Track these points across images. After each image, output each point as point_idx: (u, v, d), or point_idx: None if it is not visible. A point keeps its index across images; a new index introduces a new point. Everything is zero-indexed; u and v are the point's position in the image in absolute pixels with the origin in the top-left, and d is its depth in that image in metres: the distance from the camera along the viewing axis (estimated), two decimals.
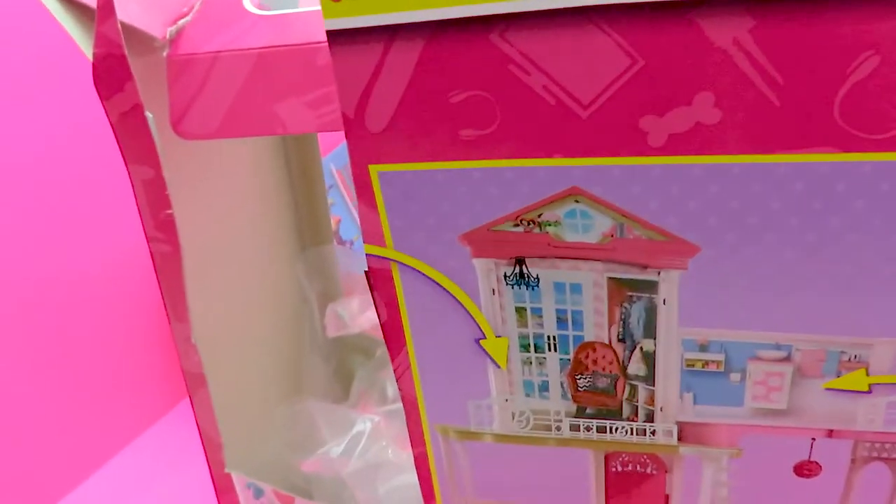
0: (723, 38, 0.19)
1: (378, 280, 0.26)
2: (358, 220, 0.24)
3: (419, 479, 0.31)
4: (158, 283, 0.32)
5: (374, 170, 0.23)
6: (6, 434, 0.46)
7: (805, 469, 0.26)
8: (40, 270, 0.47)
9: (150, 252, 0.32)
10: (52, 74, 0.43)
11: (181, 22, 0.31)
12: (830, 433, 0.25)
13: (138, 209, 0.31)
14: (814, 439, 0.25)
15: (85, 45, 0.29)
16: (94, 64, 0.28)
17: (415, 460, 0.30)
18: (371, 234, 0.24)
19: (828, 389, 0.24)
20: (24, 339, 0.47)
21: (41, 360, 0.48)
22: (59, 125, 0.44)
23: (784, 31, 0.18)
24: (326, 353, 0.48)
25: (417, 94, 0.21)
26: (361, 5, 0.20)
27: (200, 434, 0.36)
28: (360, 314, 0.47)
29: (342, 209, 0.68)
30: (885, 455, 0.25)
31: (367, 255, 0.25)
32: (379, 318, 0.27)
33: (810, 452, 0.26)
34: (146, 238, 0.31)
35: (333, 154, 0.67)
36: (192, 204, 0.35)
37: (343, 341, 0.48)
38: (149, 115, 0.29)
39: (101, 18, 0.27)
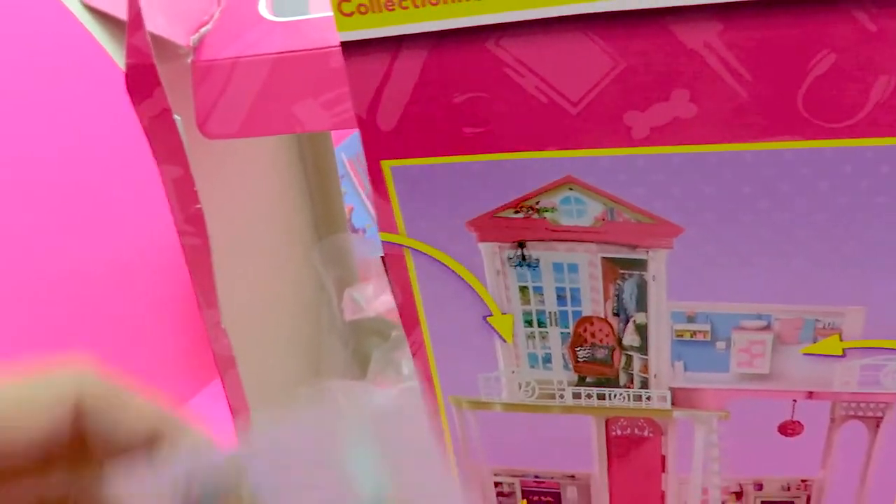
0: (694, 41, 0.21)
1: (393, 265, 0.28)
2: (370, 207, 0.26)
3: None
4: (189, 272, 0.35)
5: (387, 165, 0.25)
6: None
7: (789, 428, 0.28)
8: (72, 262, 0.50)
9: (181, 244, 0.34)
10: (86, 75, 0.46)
11: (203, 30, 0.33)
12: (810, 395, 0.27)
13: (169, 205, 0.33)
14: (795, 401, 0.28)
15: (116, 54, 0.31)
16: (126, 73, 0.30)
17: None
18: (385, 223, 0.27)
19: (805, 354, 0.26)
20: (52, 329, 0.50)
21: (70, 347, 0.51)
22: (104, 126, 0.46)
23: (750, 33, 0.21)
24: (344, 336, 0.50)
25: (423, 97, 0.23)
26: (370, 20, 0.22)
27: (231, 411, 0.38)
28: (375, 298, 0.49)
29: (354, 198, 0.70)
30: (860, 413, 0.27)
31: (382, 242, 0.27)
32: (395, 299, 0.29)
33: (793, 413, 0.28)
34: (177, 232, 0.34)
35: (344, 144, 0.69)
36: (218, 199, 0.37)
37: (360, 324, 0.50)
38: (177, 117, 0.31)
39: (131, 30, 0.29)
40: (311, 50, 0.31)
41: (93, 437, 0.18)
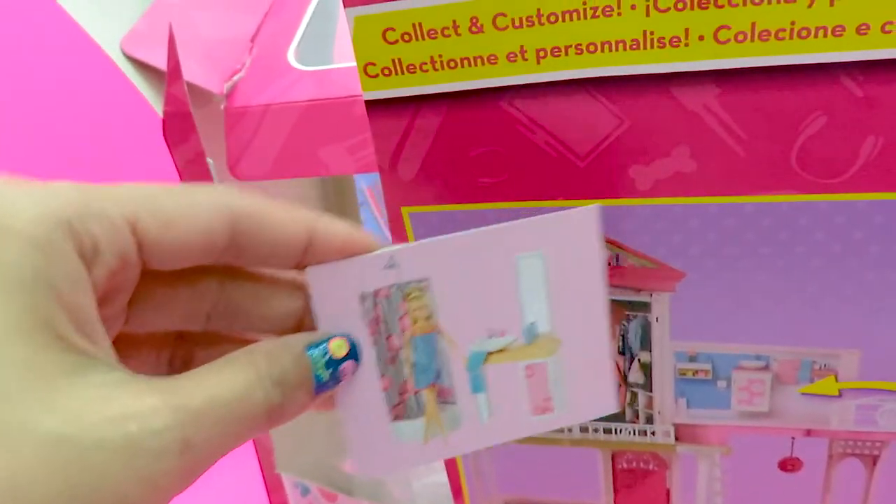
0: (694, 103, 0.23)
1: None
2: (388, 233, 0.28)
3: (448, 477, 0.35)
4: None
5: (406, 211, 0.27)
6: None
7: (788, 465, 0.29)
8: None
9: None
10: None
11: (235, 77, 0.35)
12: (808, 432, 0.28)
13: None
14: (794, 438, 0.29)
15: (154, 101, 0.34)
16: (163, 119, 0.32)
17: (444, 461, 0.34)
18: None
19: (803, 394, 0.28)
20: None
21: None
22: (140, 170, 0.48)
23: (745, 96, 0.22)
24: None
25: (441, 150, 0.25)
26: (393, 81, 0.24)
27: (254, 441, 0.40)
28: None
29: (372, 224, 0.72)
30: (857, 451, 0.29)
31: None
32: None
33: (792, 449, 0.29)
34: None
35: (364, 173, 0.72)
36: None
37: None
38: (210, 161, 0.33)
39: (170, 80, 0.31)
40: (336, 98, 0.33)
41: (249, 244, 0.19)
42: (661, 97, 0.23)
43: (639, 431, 0.30)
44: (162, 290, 0.20)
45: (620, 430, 0.30)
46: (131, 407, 0.16)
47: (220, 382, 0.17)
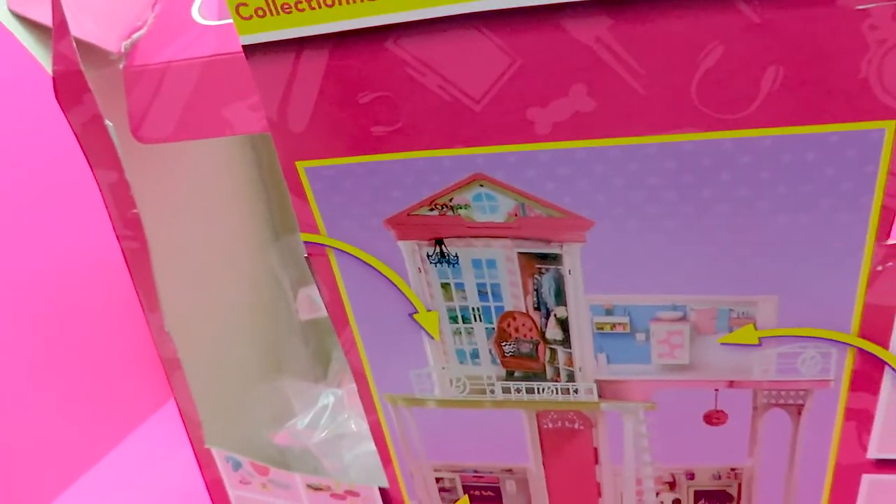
0: (586, 36, 0.21)
1: (318, 265, 0.28)
2: None
3: (376, 445, 0.34)
4: (131, 277, 0.35)
5: (301, 165, 0.25)
6: None
7: (714, 418, 0.29)
8: (21, 272, 0.50)
9: (121, 248, 0.34)
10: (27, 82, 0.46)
11: (135, 35, 0.33)
12: (731, 384, 0.28)
13: (107, 209, 0.34)
14: (717, 390, 0.28)
15: (45, 61, 0.32)
16: (53, 79, 0.30)
17: (370, 428, 0.33)
18: (305, 223, 0.27)
19: (723, 344, 0.27)
20: (9, 342, 0.50)
21: (29, 362, 0.51)
22: (39, 133, 0.46)
23: (639, 27, 0.21)
24: (305, 335, 0.51)
25: (329, 97, 0.24)
26: (269, 22, 0.22)
27: (181, 414, 0.39)
28: None
29: None
30: (782, 402, 0.28)
31: (304, 242, 0.28)
32: (322, 299, 0.29)
33: (716, 402, 0.28)
34: (116, 236, 0.34)
35: None
36: (160, 202, 0.37)
37: (320, 324, 0.51)
38: (108, 123, 0.31)
39: (57, 37, 0.29)
40: (237, 53, 0.31)
41: None
42: (550, 31, 0.21)
43: (561, 390, 0.29)
44: None
45: (543, 389, 0.29)
46: None
47: None
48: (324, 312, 0.49)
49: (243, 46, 0.23)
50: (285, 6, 0.22)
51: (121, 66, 0.33)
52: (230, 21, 0.33)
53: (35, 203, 0.48)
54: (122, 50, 0.33)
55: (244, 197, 0.48)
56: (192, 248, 0.41)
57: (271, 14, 0.22)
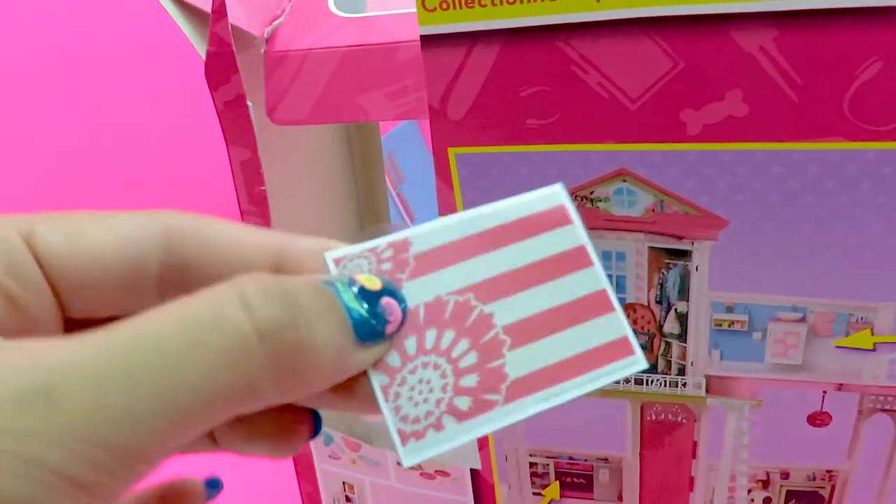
0: (750, 45, 0.23)
1: None
2: (398, 202, 0.28)
3: None
4: None
5: (452, 152, 0.27)
6: None
7: (818, 419, 0.30)
8: None
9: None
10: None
11: (276, 22, 0.35)
12: (840, 387, 0.29)
13: (234, 185, 0.36)
14: (825, 392, 0.29)
15: (197, 42, 0.34)
16: (206, 59, 0.32)
17: None
18: (446, 207, 0.29)
19: (837, 347, 0.28)
20: None
21: None
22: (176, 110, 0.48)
23: (802, 39, 0.22)
24: None
25: (492, 89, 0.25)
26: (449, 15, 0.24)
27: None
28: None
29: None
30: (887, 407, 0.29)
31: None
32: None
33: (822, 404, 0.29)
34: (240, 211, 0.36)
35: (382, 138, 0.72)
36: (279, 182, 0.39)
37: None
38: (249, 103, 0.33)
39: (215, 20, 0.31)
40: (378, 44, 0.33)
41: (194, 268, 0.16)
42: (717, 38, 0.23)
43: (670, 383, 0.31)
44: None
45: (652, 381, 0.31)
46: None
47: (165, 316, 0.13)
48: None
49: (421, 37, 0.24)
50: (469, 1, 0.23)
51: (262, 50, 0.34)
52: (368, 14, 0.34)
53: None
54: (265, 35, 0.34)
55: (336, 184, 0.50)
56: (296, 231, 0.43)
57: (454, 8, 0.23)
